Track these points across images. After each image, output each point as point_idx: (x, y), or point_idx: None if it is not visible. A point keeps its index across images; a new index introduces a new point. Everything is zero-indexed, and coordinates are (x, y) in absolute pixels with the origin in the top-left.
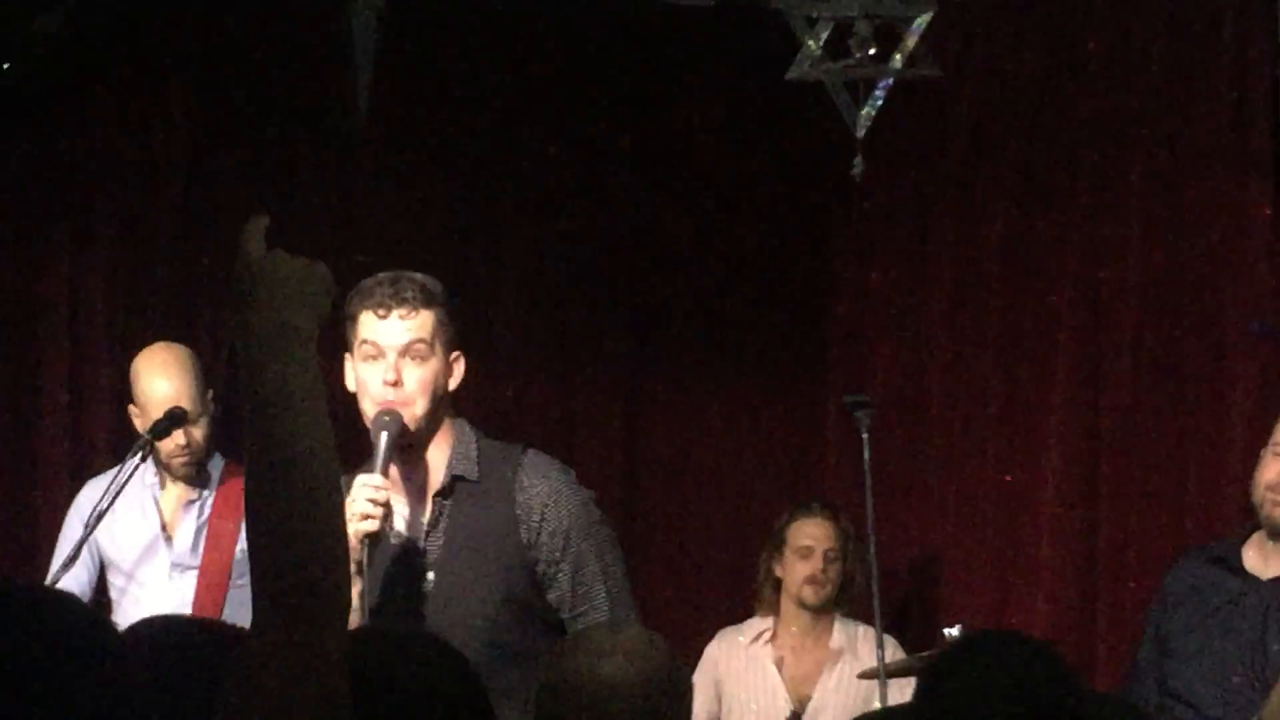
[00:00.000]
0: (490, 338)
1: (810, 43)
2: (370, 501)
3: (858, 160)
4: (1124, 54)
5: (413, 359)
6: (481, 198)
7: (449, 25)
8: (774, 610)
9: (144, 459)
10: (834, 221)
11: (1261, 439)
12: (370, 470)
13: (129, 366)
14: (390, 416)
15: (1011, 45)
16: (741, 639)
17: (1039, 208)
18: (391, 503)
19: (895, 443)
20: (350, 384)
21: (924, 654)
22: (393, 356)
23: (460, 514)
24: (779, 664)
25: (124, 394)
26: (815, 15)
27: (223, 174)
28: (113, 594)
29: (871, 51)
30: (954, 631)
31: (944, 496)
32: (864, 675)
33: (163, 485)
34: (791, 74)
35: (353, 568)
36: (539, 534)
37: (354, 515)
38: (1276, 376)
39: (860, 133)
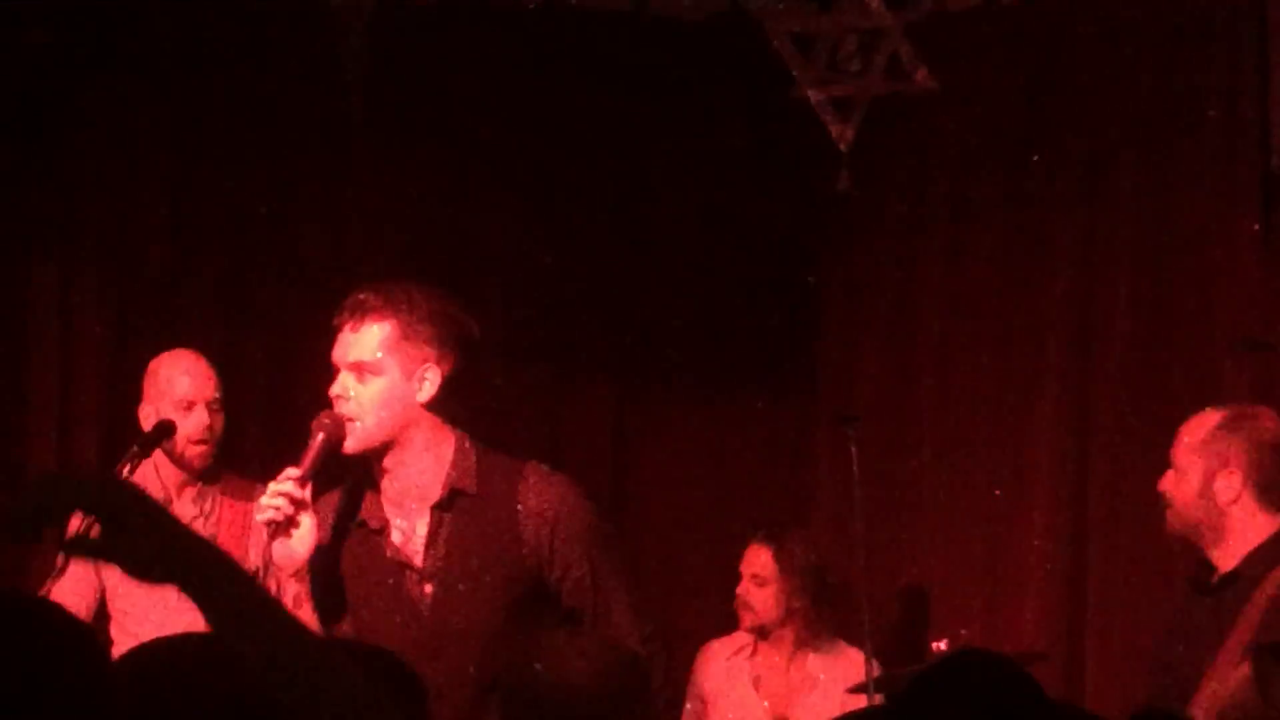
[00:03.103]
0: (476, 358)
1: (801, 61)
2: (275, 494)
3: (843, 175)
4: (1113, 69)
5: (359, 375)
6: (472, 213)
7: (437, 39)
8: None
9: (132, 471)
10: (822, 238)
11: None
12: (298, 466)
13: (118, 385)
14: (329, 419)
15: (1003, 60)
16: (722, 652)
17: (1029, 222)
18: (384, 511)
19: (884, 459)
20: None
21: (912, 669)
22: (341, 372)
23: (460, 526)
24: (756, 682)
25: (113, 414)
26: (802, 32)
27: (211, 188)
28: (116, 614)
29: (858, 68)
30: (943, 645)
31: (933, 511)
32: (853, 690)
33: (167, 501)
34: (794, 94)
35: (254, 559)
36: (550, 545)
37: (259, 507)
38: (1266, 390)
39: (845, 147)
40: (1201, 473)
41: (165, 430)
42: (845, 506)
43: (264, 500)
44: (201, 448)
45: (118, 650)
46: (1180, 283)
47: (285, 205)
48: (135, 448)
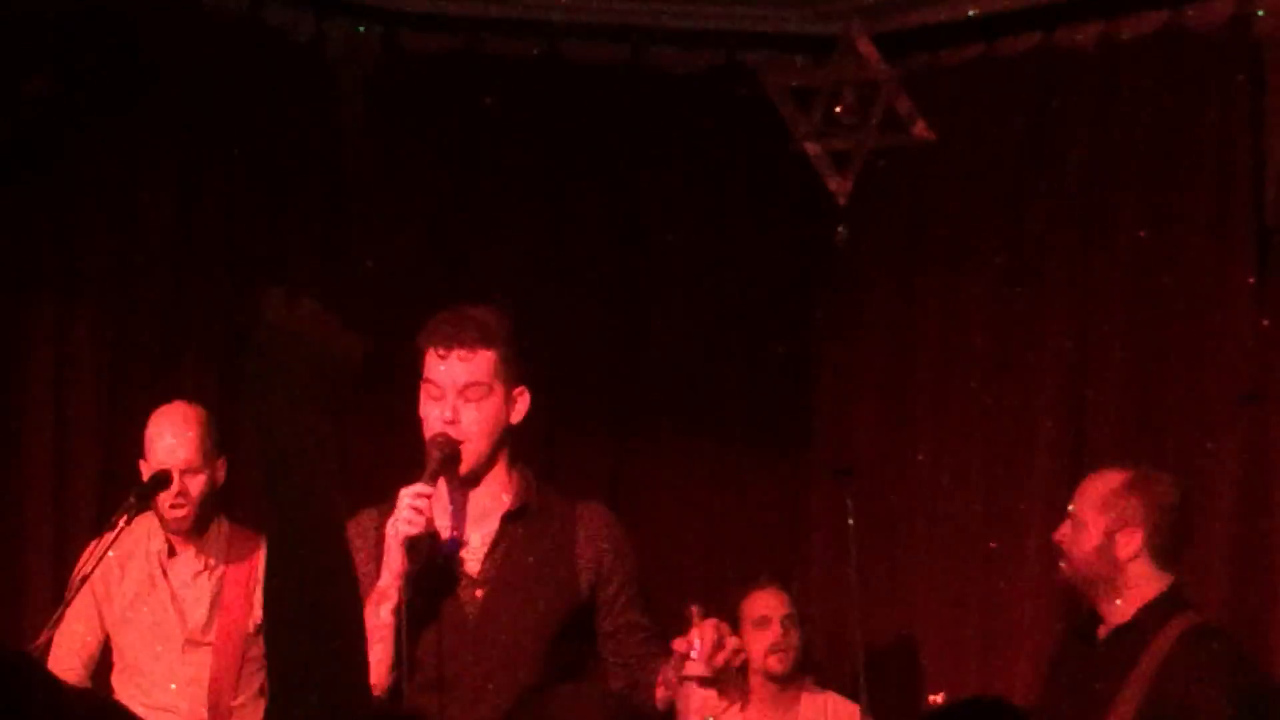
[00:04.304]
0: None
1: (798, 115)
2: (412, 509)
3: (841, 228)
4: (1109, 124)
5: (471, 399)
6: (469, 262)
7: (435, 90)
8: (738, 692)
9: (129, 520)
10: (818, 290)
11: (1248, 509)
12: (422, 483)
13: (114, 430)
14: (444, 439)
15: (998, 114)
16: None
17: (1025, 276)
18: (453, 525)
19: (879, 511)
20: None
21: None
22: (451, 396)
23: (521, 539)
24: None
25: (110, 460)
26: (799, 86)
27: (209, 234)
28: (121, 663)
29: (855, 121)
30: (938, 699)
31: (928, 563)
32: None
33: (170, 553)
34: (792, 146)
35: (386, 576)
36: (610, 568)
37: (396, 520)
38: (1262, 446)
39: (843, 201)
40: (1103, 529)
41: (161, 481)
42: (840, 559)
43: (404, 516)
44: (176, 511)
45: (117, 699)
46: (1176, 336)
47: (284, 252)
48: (131, 498)
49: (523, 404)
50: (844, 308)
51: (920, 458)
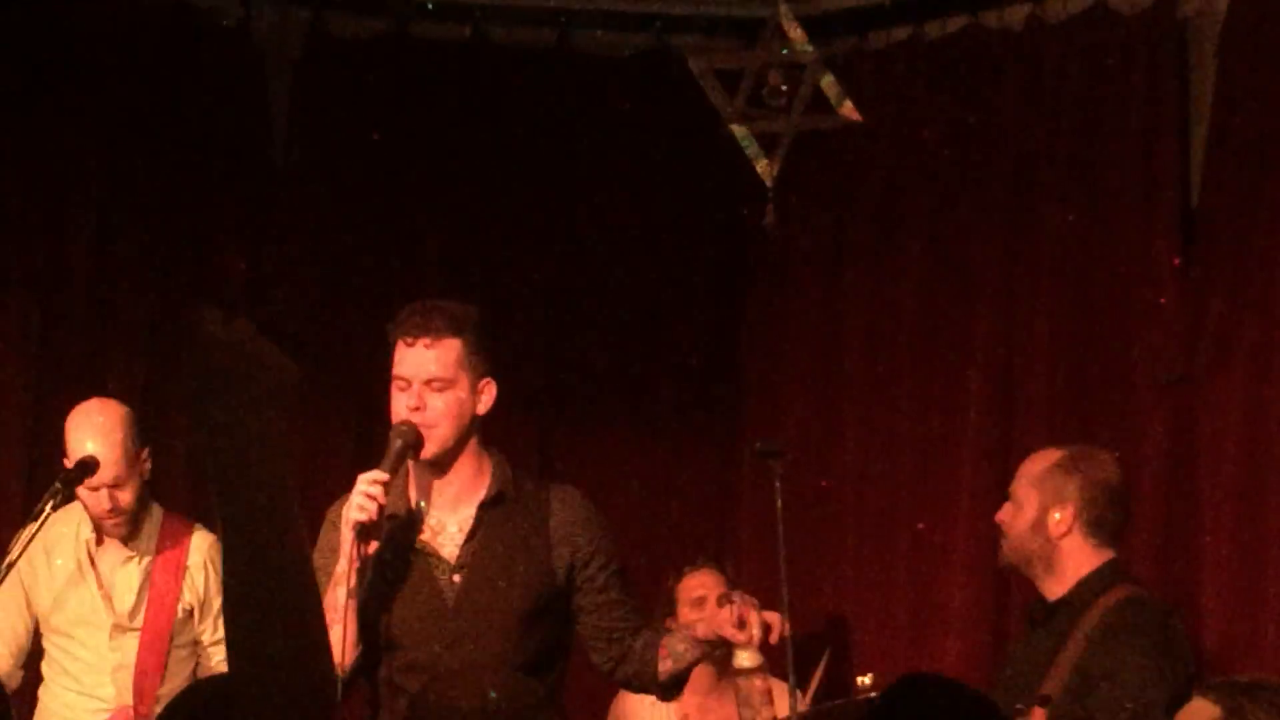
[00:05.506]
0: None
1: (725, 97)
2: (365, 495)
3: (768, 211)
4: (1036, 105)
5: (435, 388)
6: (395, 248)
7: (363, 75)
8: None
9: (55, 507)
10: (746, 274)
11: (1174, 489)
12: (379, 469)
13: (41, 423)
14: (407, 427)
15: (925, 96)
16: (647, 698)
17: (952, 257)
18: (424, 512)
19: (808, 492)
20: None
21: (836, 702)
22: (417, 384)
23: (498, 525)
24: (684, 718)
25: (36, 444)
26: (724, 67)
27: (134, 226)
28: (51, 650)
29: (783, 103)
30: (866, 680)
31: (857, 546)
32: None
33: (99, 540)
34: (722, 129)
35: (343, 561)
36: (587, 547)
37: (350, 505)
38: (1188, 426)
39: (769, 183)
40: (1037, 506)
41: (87, 468)
42: (769, 541)
43: (356, 503)
44: (113, 520)
45: (47, 686)
46: (1102, 316)
47: (209, 242)
48: (57, 485)
49: (489, 396)
50: (773, 291)
51: (849, 440)
